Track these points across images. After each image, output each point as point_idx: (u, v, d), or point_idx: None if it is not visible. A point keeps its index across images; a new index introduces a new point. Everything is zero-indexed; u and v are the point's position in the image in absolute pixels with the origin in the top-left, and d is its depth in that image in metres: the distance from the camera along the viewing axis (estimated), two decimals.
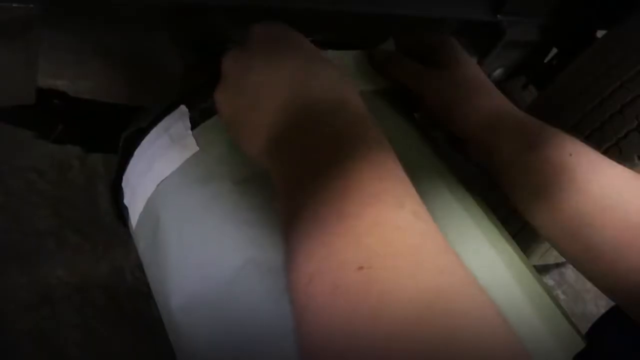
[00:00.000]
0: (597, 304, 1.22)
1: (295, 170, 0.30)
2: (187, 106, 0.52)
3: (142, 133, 0.55)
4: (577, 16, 0.95)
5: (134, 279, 0.88)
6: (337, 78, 0.37)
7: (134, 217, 0.55)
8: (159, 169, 0.51)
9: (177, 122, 0.52)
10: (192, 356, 0.46)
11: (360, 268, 0.22)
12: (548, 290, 0.50)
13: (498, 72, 0.96)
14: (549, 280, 1.25)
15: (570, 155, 0.44)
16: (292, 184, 0.30)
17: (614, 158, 0.47)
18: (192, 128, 0.51)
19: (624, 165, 0.47)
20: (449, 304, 0.22)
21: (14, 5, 0.32)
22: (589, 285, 0.51)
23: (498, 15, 0.85)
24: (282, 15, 0.51)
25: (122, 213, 0.61)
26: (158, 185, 0.51)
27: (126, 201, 0.56)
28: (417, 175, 0.32)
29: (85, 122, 0.64)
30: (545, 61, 1.05)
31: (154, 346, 0.79)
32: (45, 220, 0.88)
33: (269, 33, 0.39)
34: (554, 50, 1.03)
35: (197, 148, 0.51)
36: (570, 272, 1.28)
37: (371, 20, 0.68)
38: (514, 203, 0.51)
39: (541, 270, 1.21)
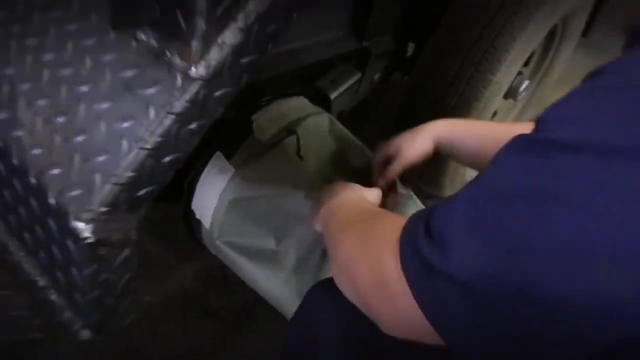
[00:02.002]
0: None
1: (342, 220, 0.73)
2: (221, 149, 1.01)
3: (196, 176, 1.03)
4: (417, 20, 1.53)
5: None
6: (361, 194, 0.82)
7: (206, 223, 1.02)
8: (217, 188, 1.00)
9: (217, 161, 1.01)
10: None
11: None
12: None
13: (377, 77, 1.53)
14: None
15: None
16: (340, 225, 0.73)
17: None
18: (228, 159, 1.00)
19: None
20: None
21: None
22: None
23: (363, 43, 1.42)
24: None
25: (192, 228, 1.08)
26: (218, 198, 1.00)
27: (198, 216, 1.03)
28: None
29: None
30: (408, 55, 1.63)
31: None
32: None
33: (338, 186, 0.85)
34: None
35: (233, 169, 1.00)
36: None
37: (295, 72, 1.22)
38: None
39: None
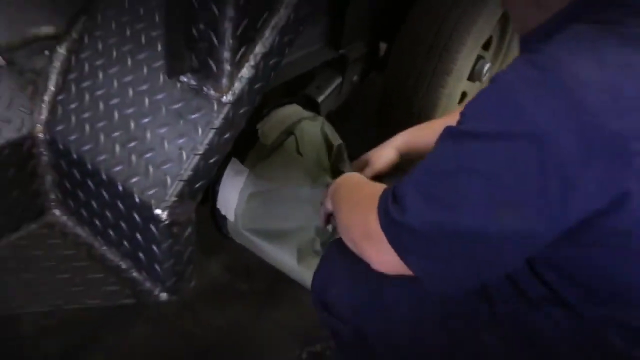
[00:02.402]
0: None
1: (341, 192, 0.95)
2: (235, 155, 1.27)
3: (218, 180, 1.29)
4: (385, 22, 1.78)
5: None
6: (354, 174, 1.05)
7: (231, 217, 1.28)
8: (236, 187, 1.25)
9: (233, 165, 1.27)
10: None
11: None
12: None
13: (355, 78, 1.79)
14: None
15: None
16: (340, 196, 0.95)
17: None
18: (242, 162, 1.26)
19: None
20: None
21: None
22: None
23: (340, 51, 1.68)
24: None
25: (218, 224, 1.34)
26: (238, 195, 1.25)
27: (223, 213, 1.29)
28: None
29: None
30: (381, 55, 1.89)
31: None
32: None
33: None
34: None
35: (247, 170, 1.26)
36: None
37: (287, 83, 1.47)
38: None
39: None
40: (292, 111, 1.39)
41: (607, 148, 0.53)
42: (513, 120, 0.57)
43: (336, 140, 1.39)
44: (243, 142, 1.27)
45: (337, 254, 0.91)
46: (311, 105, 1.55)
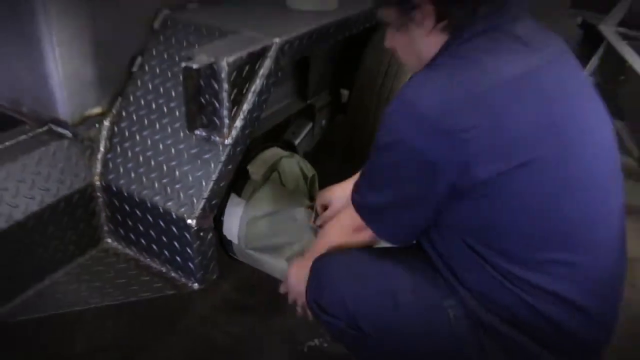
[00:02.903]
0: None
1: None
2: (234, 191, 1.68)
3: (222, 211, 1.69)
4: (343, 72, 2.23)
5: None
6: None
7: (235, 240, 1.67)
8: (237, 215, 1.65)
9: (232, 199, 1.67)
10: None
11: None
12: None
13: (323, 122, 2.24)
14: None
15: None
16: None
17: None
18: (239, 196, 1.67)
19: None
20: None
21: None
22: None
23: (308, 101, 2.13)
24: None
25: (226, 248, 1.73)
26: (239, 222, 1.66)
27: (229, 238, 1.69)
28: None
29: None
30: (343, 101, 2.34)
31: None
32: None
33: None
34: None
35: (244, 201, 1.66)
36: None
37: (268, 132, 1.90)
38: None
39: None
40: (273, 152, 1.83)
41: (446, 139, 0.94)
42: (394, 134, 0.99)
43: (310, 171, 1.82)
44: (238, 181, 1.68)
45: (324, 268, 1.22)
46: (290, 147, 1.98)
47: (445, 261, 1.12)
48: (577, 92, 1.09)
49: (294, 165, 1.80)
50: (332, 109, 2.35)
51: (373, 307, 1.15)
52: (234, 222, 1.64)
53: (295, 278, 1.26)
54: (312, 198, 1.74)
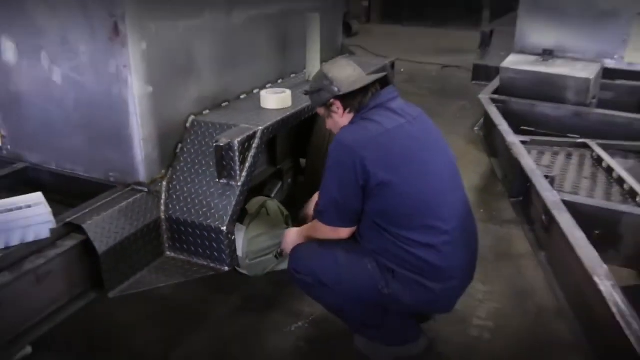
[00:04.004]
0: None
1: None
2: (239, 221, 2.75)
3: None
4: (301, 145, 3.39)
5: None
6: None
7: (240, 254, 2.72)
8: (240, 237, 2.70)
9: (237, 226, 2.73)
10: None
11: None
12: None
13: (289, 181, 3.36)
14: None
15: None
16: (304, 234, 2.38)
17: None
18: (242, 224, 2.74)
19: None
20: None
21: None
22: None
23: (277, 166, 3.25)
24: None
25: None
26: (242, 241, 2.71)
27: (237, 253, 2.73)
28: None
29: None
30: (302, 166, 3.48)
31: None
32: None
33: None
34: None
35: (245, 227, 2.73)
36: None
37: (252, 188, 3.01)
38: None
39: None
40: (260, 198, 2.93)
41: (361, 162, 2.04)
42: (334, 159, 2.10)
43: (285, 211, 2.92)
44: (240, 215, 2.76)
45: (299, 251, 2.30)
46: (269, 197, 3.09)
47: (362, 235, 2.20)
48: (429, 136, 2.23)
49: (275, 206, 2.90)
50: (294, 172, 3.49)
51: (326, 268, 2.20)
52: (239, 242, 2.68)
53: (287, 239, 2.38)
54: (287, 226, 2.82)
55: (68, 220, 2.15)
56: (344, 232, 2.17)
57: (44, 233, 2.04)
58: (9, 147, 2.77)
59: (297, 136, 3.38)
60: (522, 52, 4.77)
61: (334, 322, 2.42)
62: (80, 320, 2.31)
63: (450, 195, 2.17)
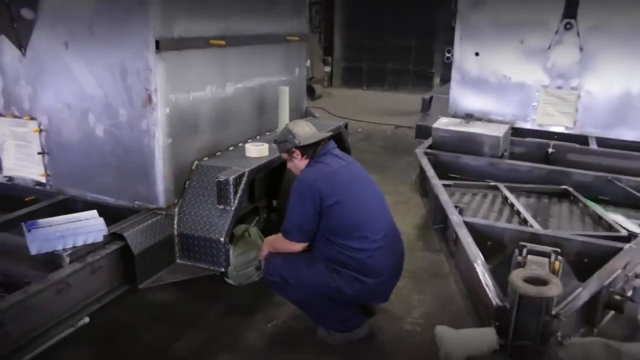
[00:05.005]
0: None
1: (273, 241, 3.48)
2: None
3: None
4: (274, 188, 4.45)
5: None
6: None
7: (229, 268, 3.70)
8: (230, 254, 3.70)
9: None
10: None
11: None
12: None
13: (265, 216, 4.38)
14: None
15: None
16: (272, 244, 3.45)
17: None
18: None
19: None
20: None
21: None
22: None
23: (255, 204, 4.29)
24: None
25: (224, 275, 3.77)
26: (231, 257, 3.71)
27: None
28: None
29: None
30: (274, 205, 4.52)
31: None
32: None
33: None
34: None
35: (232, 246, 3.73)
36: None
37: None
38: None
39: None
40: (244, 225, 3.95)
41: (318, 193, 3.12)
42: (296, 192, 3.19)
43: (262, 236, 3.95)
44: (230, 237, 3.77)
45: (271, 260, 3.37)
46: (250, 226, 4.11)
47: (315, 246, 3.26)
48: (361, 174, 3.36)
49: (255, 231, 3.94)
50: (268, 210, 4.51)
51: (289, 270, 3.25)
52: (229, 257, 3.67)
53: (264, 248, 3.39)
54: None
55: (113, 230, 3.14)
56: (299, 247, 3.21)
57: (99, 238, 3.04)
58: (51, 183, 3.77)
59: (271, 181, 4.44)
60: (454, 115, 6.03)
61: (301, 321, 3.49)
62: (122, 301, 3.32)
63: (378, 215, 3.26)
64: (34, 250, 2.87)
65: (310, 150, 3.26)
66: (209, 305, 3.74)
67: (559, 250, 2.60)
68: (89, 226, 3.00)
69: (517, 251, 2.64)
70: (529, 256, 2.56)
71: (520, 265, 2.54)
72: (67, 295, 2.83)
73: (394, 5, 13.58)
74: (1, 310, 2.47)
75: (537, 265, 2.47)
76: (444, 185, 4.43)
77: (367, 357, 3.36)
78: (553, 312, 2.45)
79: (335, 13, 14.27)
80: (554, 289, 2.27)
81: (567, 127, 5.85)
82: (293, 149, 3.26)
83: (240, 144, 4.20)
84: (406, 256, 3.48)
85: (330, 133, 3.42)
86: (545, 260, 2.53)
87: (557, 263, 2.49)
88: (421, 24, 13.40)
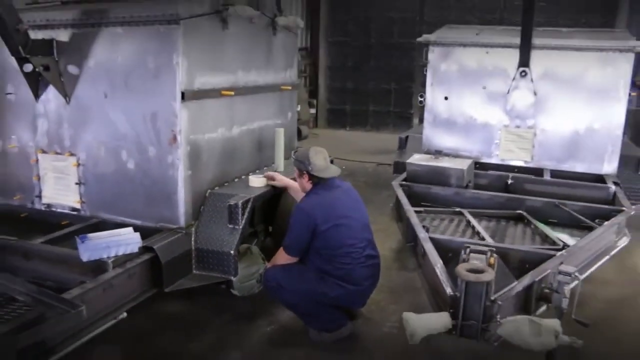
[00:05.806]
0: None
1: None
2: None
3: None
4: (270, 214, 5.29)
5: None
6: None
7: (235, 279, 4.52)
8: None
9: None
10: None
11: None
12: None
13: (262, 239, 5.23)
14: None
15: None
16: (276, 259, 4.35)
17: None
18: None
19: None
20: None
21: None
22: None
23: (254, 228, 5.13)
24: None
25: (229, 286, 4.58)
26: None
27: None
28: None
29: None
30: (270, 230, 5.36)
31: None
32: None
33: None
34: None
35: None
36: None
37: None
38: None
39: None
40: (246, 245, 4.79)
41: (313, 221, 4.01)
42: (295, 218, 4.10)
43: (262, 254, 4.79)
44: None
45: (271, 270, 4.25)
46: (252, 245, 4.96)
47: (308, 259, 4.17)
48: (352, 200, 4.28)
49: (256, 249, 4.77)
50: (265, 234, 5.35)
51: (283, 276, 4.14)
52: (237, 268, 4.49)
53: (270, 265, 4.24)
54: (263, 262, 4.66)
55: (145, 244, 3.96)
56: (294, 259, 4.09)
57: (135, 249, 3.87)
58: (86, 209, 4.60)
59: (268, 208, 5.28)
60: (427, 152, 6.97)
61: (295, 325, 4.32)
62: (153, 301, 4.15)
63: (361, 235, 4.14)
64: (85, 257, 3.68)
65: (317, 179, 4.14)
66: (217, 313, 4.56)
67: (494, 249, 3.49)
68: (127, 239, 3.83)
69: (462, 251, 3.52)
70: (471, 254, 3.45)
71: (465, 260, 3.42)
72: (111, 294, 3.65)
73: (375, 51, 14.81)
74: (81, 293, 3.30)
75: (477, 260, 3.35)
76: (416, 212, 5.35)
77: (353, 352, 4.19)
78: (492, 298, 3.31)
79: (320, 58, 15.41)
80: (488, 275, 3.15)
81: (525, 161, 6.85)
82: (304, 172, 4.15)
83: (244, 176, 5.09)
84: (384, 274, 4.36)
85: (339, 172, 4.33)
86: (483, 256, 3.41)
87: (492, 259, 3.38)
88: (400, 68, 14.60)
